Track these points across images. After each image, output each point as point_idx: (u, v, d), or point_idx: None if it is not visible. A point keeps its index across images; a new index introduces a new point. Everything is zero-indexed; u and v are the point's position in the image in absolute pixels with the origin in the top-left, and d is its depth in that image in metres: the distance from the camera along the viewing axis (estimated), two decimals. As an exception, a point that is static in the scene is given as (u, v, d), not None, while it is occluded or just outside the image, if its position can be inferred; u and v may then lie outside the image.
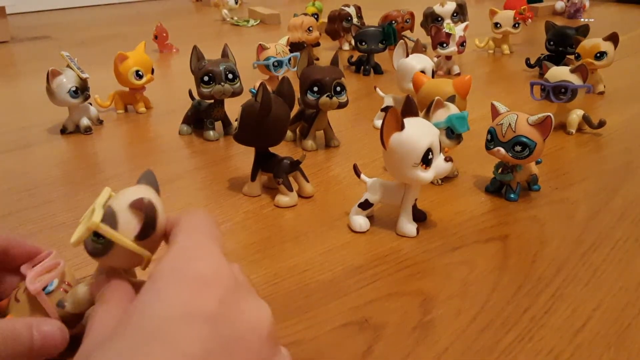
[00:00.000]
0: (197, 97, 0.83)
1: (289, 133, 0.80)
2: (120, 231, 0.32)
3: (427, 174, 0.51)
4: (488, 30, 1.36)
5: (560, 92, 0.79)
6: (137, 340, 0.24)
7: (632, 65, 1.23)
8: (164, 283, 0.27)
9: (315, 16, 1.46)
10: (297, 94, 0.71)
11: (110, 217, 0.32)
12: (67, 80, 0.82)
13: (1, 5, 1.61)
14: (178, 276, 0.27)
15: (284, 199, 0.62)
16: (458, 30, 1.11)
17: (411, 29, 1.41)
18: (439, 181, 0.67)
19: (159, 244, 0.34)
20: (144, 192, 0.33)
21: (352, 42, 1.26)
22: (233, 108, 0.73)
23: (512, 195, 0.62)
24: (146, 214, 0.32)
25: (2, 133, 0.90)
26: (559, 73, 0.80)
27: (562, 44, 1.09)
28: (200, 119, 0.85)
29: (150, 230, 0.32)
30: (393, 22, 1.24)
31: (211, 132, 0.83)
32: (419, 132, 0.51)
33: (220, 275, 0.28)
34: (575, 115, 0.81)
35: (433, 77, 0.82)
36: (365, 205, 0.56)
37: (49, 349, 0.35)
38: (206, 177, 0.71)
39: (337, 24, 1.37)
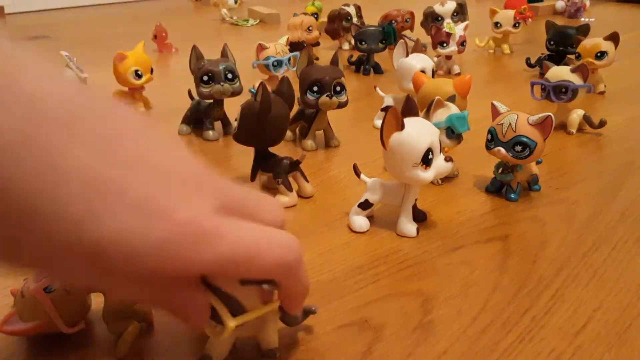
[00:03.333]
0: (196, 97, 0.82)
1: (288, 133, 0.79)
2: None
3: (428, 174, 0.51)
4: (488, 30, 1.35)
5: (560, 92, 0.79)
6: None
7: (632, 65, 1.23)
8: None
9: (315, 16, 1.45)
10: (297, 94, 0.70)
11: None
12: (66, 80, 0.82)
13: (0, 4, 1.61)
14: None
15: (283, 199, 0.62)
16: (458, 29, 1.11)
17: (411, 28, 1.41)
18: (439, 181, 0.66)
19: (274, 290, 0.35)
20: None
21: (352, 41, 1.25)
22: (233, 108, 0.73)
23: (512, 195, 0.62)
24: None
25: (2, 133, 0.89)
26: (559, 73, 0.79)
27: (562, 43, 1.09)
28: (199, 118, 0.84)
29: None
30: (393, 21, 1.24)
31: (210, 132, 0.83)
32: (419, 132, 0.51)
33: None
34: (576, 115, 0.81)
35: (433, 76, 0.82)
36: (365, 205, 0.56)
37: None
38: (206, 177, 0.71)
39: (337, 24, 1.37)
